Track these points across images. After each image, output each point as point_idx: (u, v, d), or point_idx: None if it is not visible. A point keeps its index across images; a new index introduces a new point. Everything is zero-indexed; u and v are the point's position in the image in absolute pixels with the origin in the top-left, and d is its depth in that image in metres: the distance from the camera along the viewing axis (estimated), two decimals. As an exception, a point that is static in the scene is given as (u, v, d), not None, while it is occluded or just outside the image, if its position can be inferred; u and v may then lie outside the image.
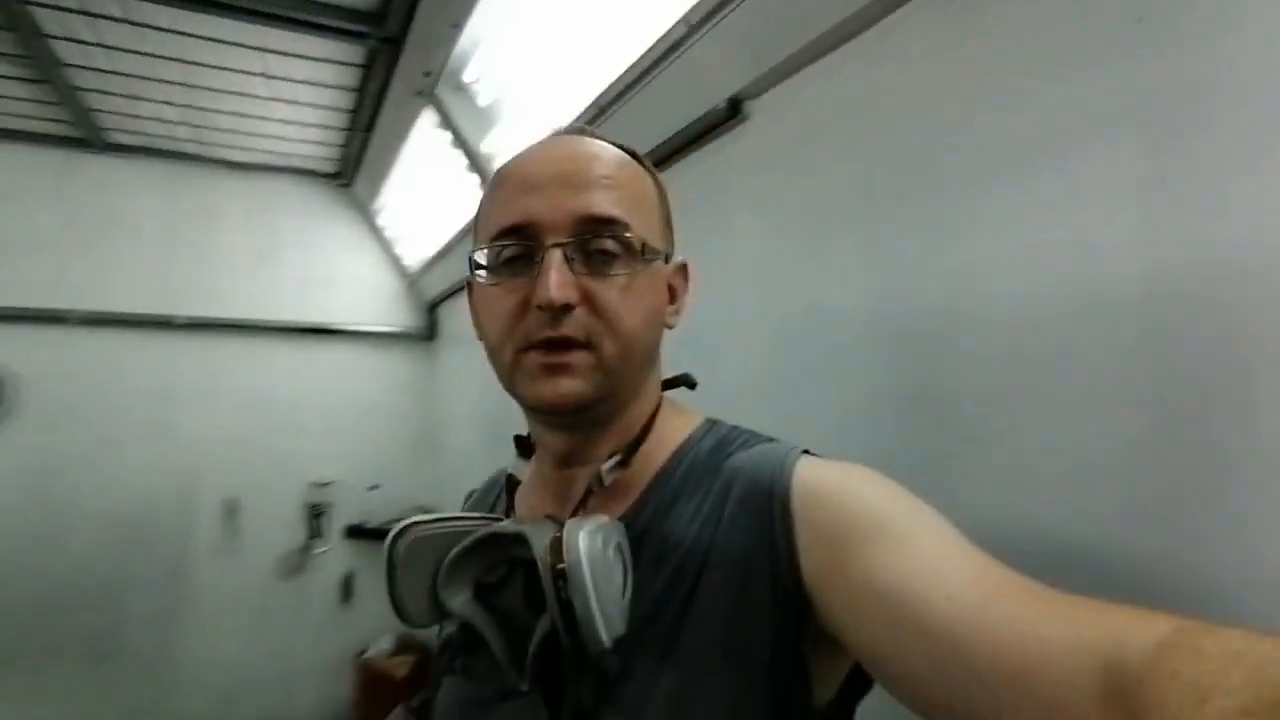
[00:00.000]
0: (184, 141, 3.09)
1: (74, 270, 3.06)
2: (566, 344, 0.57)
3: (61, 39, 2.25)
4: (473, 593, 0.60)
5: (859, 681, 0.57)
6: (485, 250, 0.61)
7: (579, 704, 0.56)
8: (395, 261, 3.63)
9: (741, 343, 1.27)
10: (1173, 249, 0.66)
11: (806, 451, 0.59)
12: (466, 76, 2.00)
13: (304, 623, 3.39)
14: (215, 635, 3.17)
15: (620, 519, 0.60)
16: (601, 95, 1.51)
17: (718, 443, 0.63)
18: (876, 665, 0.49)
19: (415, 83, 2.21)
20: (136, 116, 2.85)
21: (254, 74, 2.49)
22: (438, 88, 2.13)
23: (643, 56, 1.35)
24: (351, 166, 3.28)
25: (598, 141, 0.64)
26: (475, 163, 2.21)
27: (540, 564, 0.53)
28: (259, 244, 3.41)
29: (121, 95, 2.65)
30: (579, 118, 1.62)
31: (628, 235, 0.59)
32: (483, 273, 0.61)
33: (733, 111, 1.25)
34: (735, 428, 0.67)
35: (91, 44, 2.28)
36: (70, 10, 2.08)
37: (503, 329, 0.59)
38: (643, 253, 0.60)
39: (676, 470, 0.63)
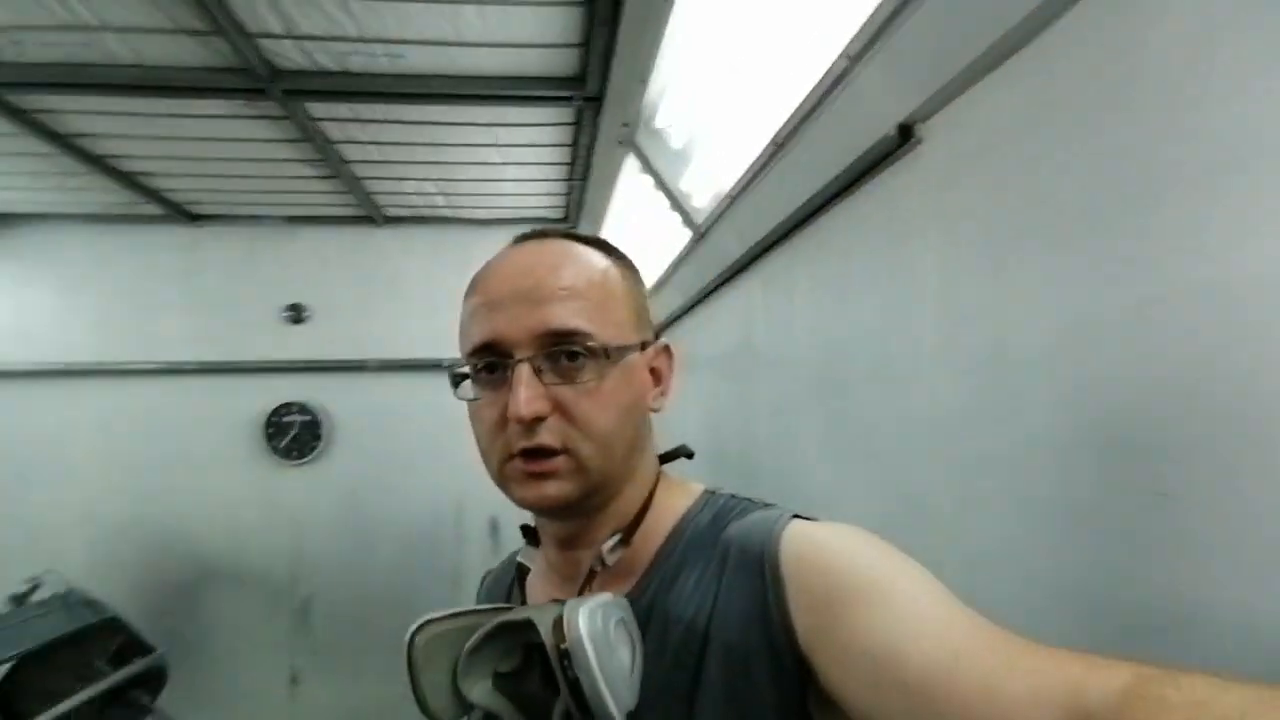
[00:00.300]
0: (441, 208, 3.58)
1: (368, 326, 3.70)
2: (544, 452, 0.60)
3: (344, 142, 2.74)
4: (492, 682, 0.62)
5: None
6: (467, 365, 0.65)
7: None
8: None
9: (928, 379, 1.20)
10: None
11: (798, 515, 0.61)
12: (658, 123, 2.10)
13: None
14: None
15: (627, 595, 0.63)
16: (778, 133, 1.52)
17: (716, 514, 0.66)
18: None
19: (616, 133, 2.37)
20: (404, 193, 3.36)
21: (487, 145, 2.82)
22: (636, 135, 2.26)
23: (810, 92, 1.34)
24: (574, 212, 3.57)
25: (559, 246, 0.67)
26: (675, 202, 2.31)
27: (547, 645, 0.55)
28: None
29: (391, 178, 3.16)
30: (760, 157, 1.63)
31: (590, 345, 0.61)
32: (467, 384, 0.65)
33: (904, 137, 1.19)
34: (733, 496, 0.69)
35: (366, 142, 2.75)
36: (348, 120, 2.54)
37: (487, 440, 0.63)
38: (608, 356, 0.62)
39: (677, 546, 0.65)
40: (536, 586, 0.73)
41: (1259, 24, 0.64)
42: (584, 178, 3.07)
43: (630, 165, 2.47)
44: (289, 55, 2.09)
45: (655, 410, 0.68)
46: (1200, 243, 0.70)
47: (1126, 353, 0.79)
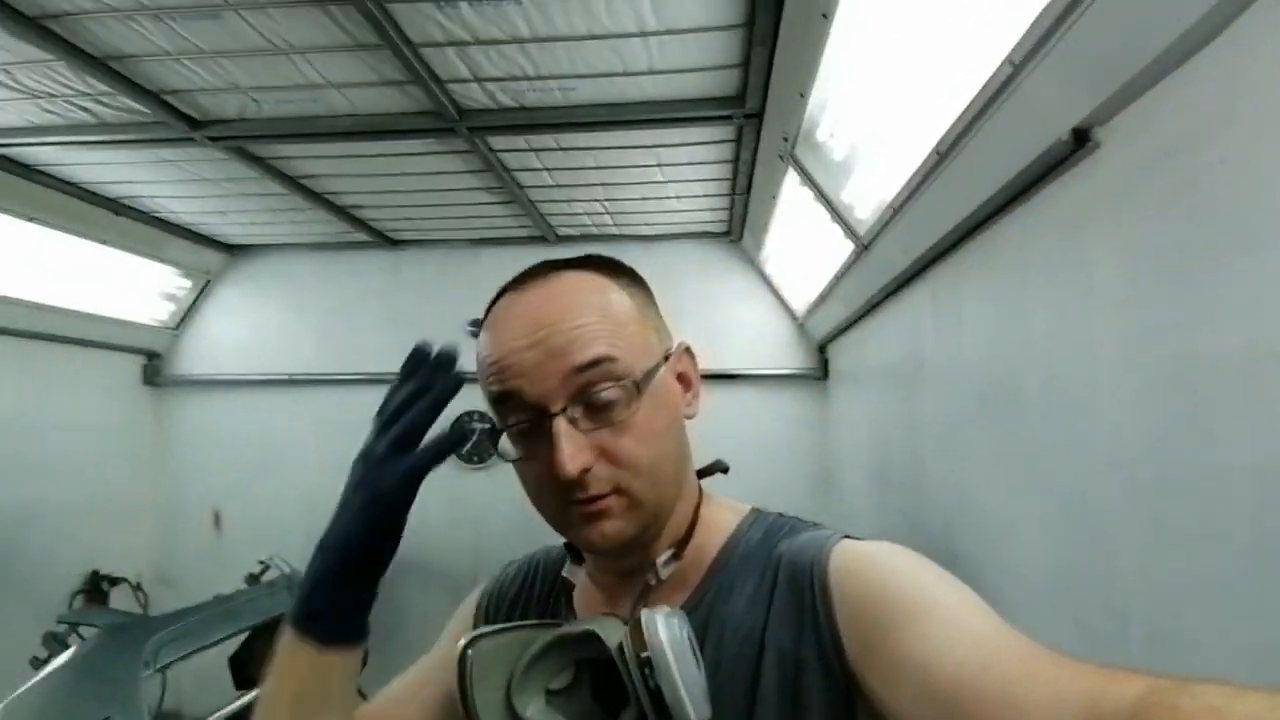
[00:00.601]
0: (609, 226, 3.76)
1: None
2: (598, 497, 0.60)
3: (521, 170, 2.96)
4: (545, 700, 0.61)
5: None
6: (497, 419, 0.65)
7: None
8: (784, 306, 3.84)
9: (1106, 394, 1.12)
10: None
11: (848, 536, 0.62)
12: (820, 136, 2.09)
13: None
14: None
15: (682, 607, 0.62)
16: (940, 140, 1.47)
17: (766, 531, 0.66)
18: None
19: (776, 148, 2.38)
20: (575, 214, 3.57)
21: (651, 165, 2.94)
22: (796, 149, 2.26)
23: (974, 100, 1.29)
24: (738, 224, 3.61)
25: (562, 280, 0.65)
26: (836, 214, 2.28)
27: (623, 654, 0.55)
28: (670, 300, 3.87)
29: (563, 200, 3.36)
30: (922, 166, 1.59)
31: (618, 373, 0.60)
32: (506, 442, 0.65)
33: (1078, 142, 1.12)
34: (781, 515, 0.70)
35: (540, 169, 2.96)
36: (524, 150, 2.75)
37: (539, 494, 0.63)
38: (637, 387, 0.61)
39: (731, 560, 0.66)
40: (582, 603, 0.72)
41: None
42: (746, 191, 3.10)
43: (791, 179, 2.47)
44: (474, 96, 2.31)
45: (690, 416, 0.68)
46: None
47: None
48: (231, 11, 1.83)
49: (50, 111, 2.37)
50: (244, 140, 2.58)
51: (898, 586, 0.54)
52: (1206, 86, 0.87)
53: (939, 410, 1.96)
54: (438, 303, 4.02)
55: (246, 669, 2.46)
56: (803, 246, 2.93)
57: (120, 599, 3.87)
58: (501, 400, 0.63)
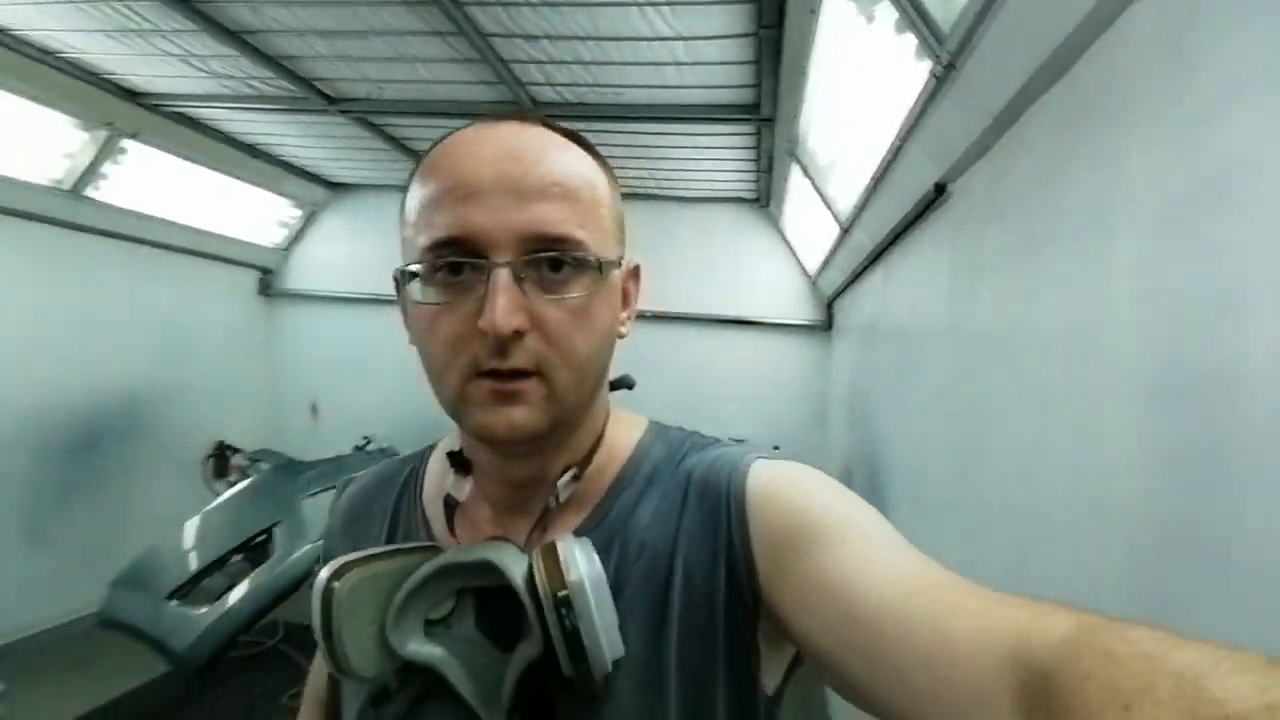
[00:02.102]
0: (653, 188, 4.37)
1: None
2: (516, 374, 0.52)
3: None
4: (424, 631, 0.57)
5: (795, 675, 0.59)
6: (420, 262, 0.53)
7: None
8: (799, 265, 4.43)
9: (943, 352, 1.75)
10: None
11: (761, 455, 0.60)
12: (810, 145, 2.68)
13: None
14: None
15: (578, 531, 0.59)
16: (875, 172, 2.07)
17: (670, 446, 0.63)
18: (818, 659, 0.49)
19: (785, 147, 2.97)
20: (624, 172, 4.19)
21: (691, 149, 3.54)
22: (796, 150, 2.85)
23: (880, 160, 1.89)
24: (765, 192, 4.18)
25: (544, 132, 0.57)
26: (827, 205, 2.89)
27: (532, 590, 0.51)
28: (702, 256, 4.56)
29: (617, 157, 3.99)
30: (865, 189, 2.18)
31: (582, 255, 0.53)
32: (417, 284, 0.54)
33: (939, 192, 1.72)
34: (681, 429, 0.67)
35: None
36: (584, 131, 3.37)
37: (444, 354, 0.53)
38: (600, 270, 0.54)
39: (634, 477, 0.62)
40: (465, 523, 0.64)
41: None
42: (769, 170, 3.68)
43: (796, 170, 3.07)
44: (546, 95, 2.94)
45: (622, 336, 0.61)
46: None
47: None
48: (379, 37, 2.50)
49: (225, 86, 3.09)
50: (367, 114, 3.28)
51: (814, 510, 0.53)
52: (999, 162, 1.44)
53: (881, 360, 2.60)
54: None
55: None
56: (808, 222, 3.52)
57: (240, 465, 4.81)
58: (442, 242, 0.52)
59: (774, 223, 4.46)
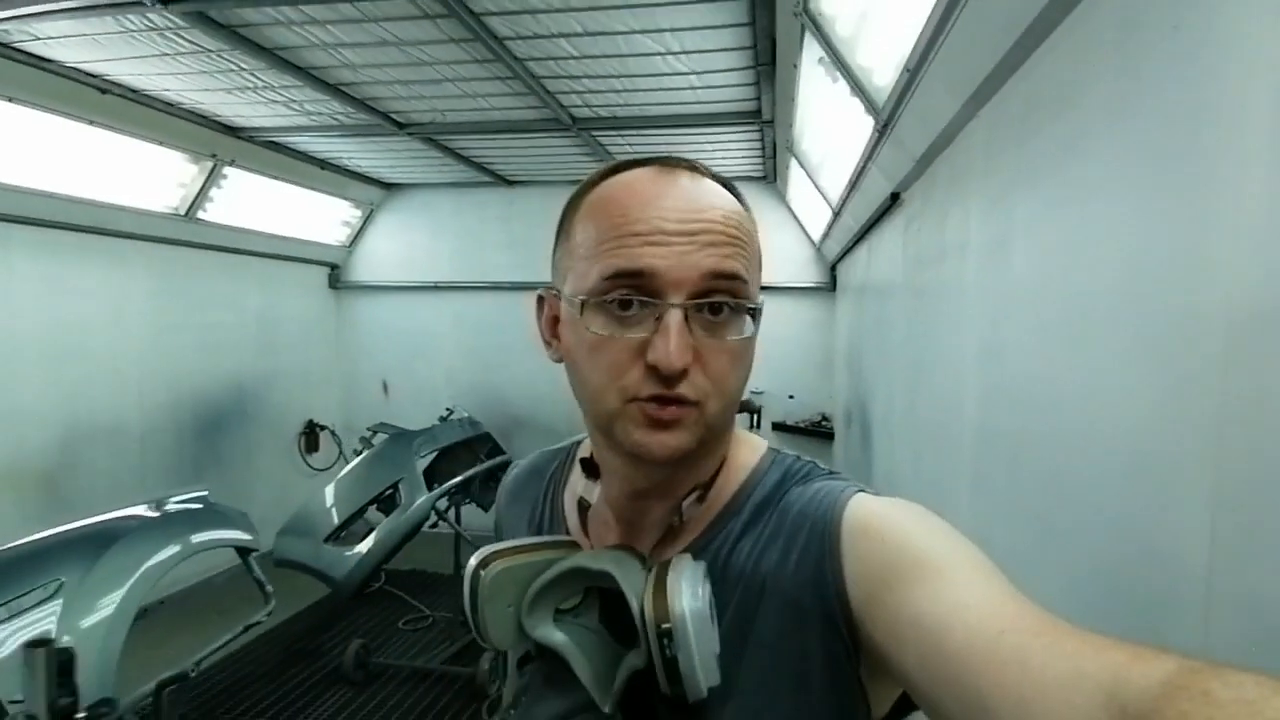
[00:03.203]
0: (672, 173, 4.93)
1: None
2: (676, 401, 0.56)
3: (612, 145, 4.17)
4: (553, 619, 0.63)
5: (909, 700, 0.59)
6: (593, 291, 0.57)
7: None
8: (806, 234, 4.99)
9: (902, 310, 2.35)
10: None
11: (862, 490, 0.61)
12: (804, 145, 3.25)
13: (749, 482, 5.17)
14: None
15: (688, 549, 0.62)
16: (852, 171, 2.64)
17: (782, 475, 0.65)
18: (911, 691, 0.51)
19: (784, 143, 3.54)
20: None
21: (706, 142, 4.11)
22: (793, 147, 3.42)
23: (854, 167, 2.46)
24: (771, 170, 4.72)
25: (714, 185, 0.61)
26: (821, 193, 3.45)
27: (641, 615, 0.54)
28: (718, 230, 5.13)
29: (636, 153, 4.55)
30: (843, 190, 2.75)
31: (746, 300, 0.58)
32: (585, 311, 0.57)
33: (893, 199, 2.30)
34: (799, 458, 0.68)
35: (619, 143, 4.16)
36: (618, 142, 3.94)
37: (605, 376, 0.57)
38: (753, 316, 0.59)
39: (745, 503, 0.64)
40: (596, 524, 0.70)
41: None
42: (774, 156, 4.23)
43: (794, 162, 3.63)
44: (582, 112, 3.53)
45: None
46: None
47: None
48: (437, 69, 3.09)
49: (314, 119, 3.72)
50: (432, 135, 3.90)
51: (910, 544, 0.53)
52: (927, 182, 2.05)
53: (868, 319, 3.20)
54: (543, 229, 5.23)
55: (431, 479, 3.85)
56: (809, 201, 4.08)
57: (325, 440, 5.53)
58: (621, 275, 0.56)
59: (781, 197, 5.01)
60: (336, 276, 5.71)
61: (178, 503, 1.92)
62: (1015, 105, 1.25)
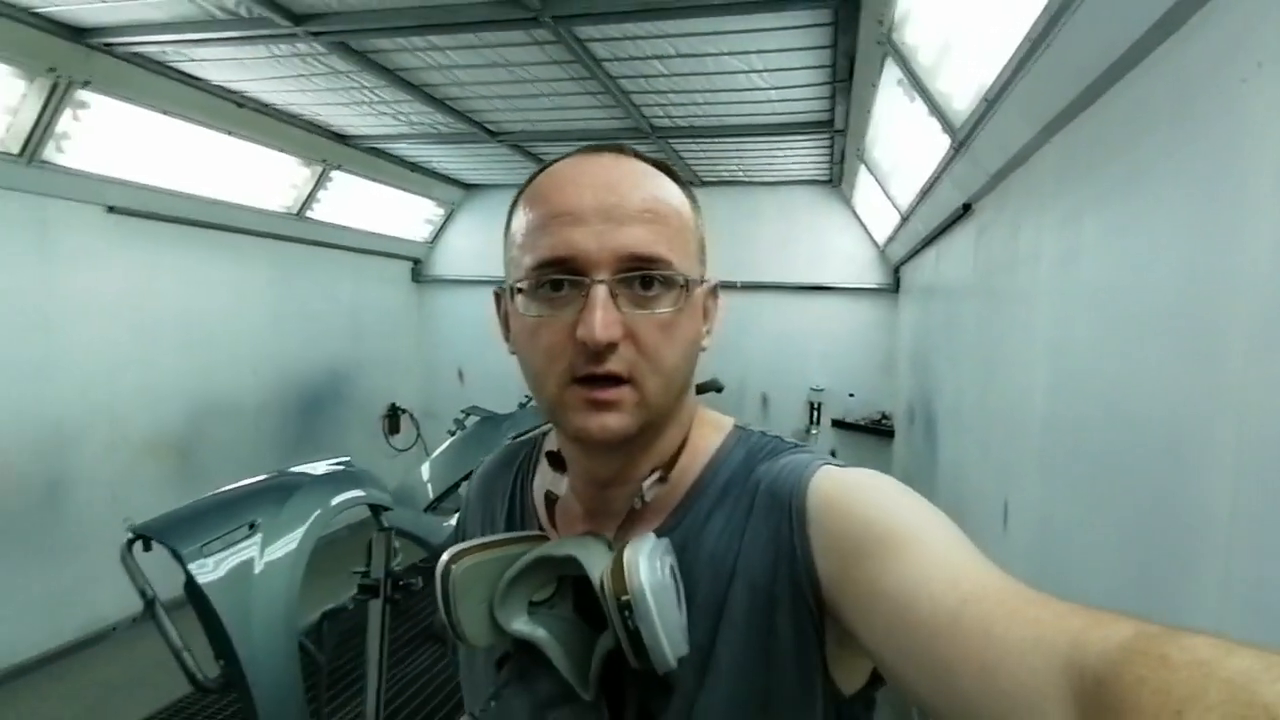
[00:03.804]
0: (740, 175, 5.15)
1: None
2: (609, 380, 0.57)
3: (695, 164, 4.41)
4: (527, 611, 0.63)
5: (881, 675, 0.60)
6: (525, 279, 0.59)
7: (641, 710, 0.60)
8: (869, 237, 5.15)
9: (969, 310, 2.54)
10: None
11: (828, 462, 0.61)
12: (875, 153, 3.43)
13: (808, 475, 5.36)
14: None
15: (657, 530, 0.62)
16: (924, 184, 2.82)
17: (748, 452, 0.66)
18: (880, 664, 0.51)
19: (854, 152, 3.73)
20: (717, 167, 4.98)
21: (775, 149, 4.31)
22: (863, 155, 3.60)
23: (929, 177, 2.64)
24: (838, 175, 4.90)
25: (637, 164, 0.63)
26: (890, 199, 3.63)
27: (602, 592, 0.55)
28: (784, 232, 5.33)
29: (712, 158, 4.79)
30: (911, 201, 2.94)
31: (670, 274, 0.58)
32: (521, 299, 0.60)
33: (965, 209, 2.49)
34: (764, 433, 0.69)
35: (697, 156, 4.39)
36: (693, 147, 4.18)
37: (544, 362, 0.59)
38: (686, 288, 0.59)
39: (711, 483, 0.65)
40: (563, 514, 0.71)
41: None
42: (841, 161, 4.41)
43: (863, 169, 3.82)
44: (662, 121, 3.77)
45: (704, 349, 0.65)
46: None
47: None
48: (533, 84, 3.38)
49: (414, 127, 4.05)
50: (521, 143, 4.21)
51: (876, 517, 0.54)
52: (998, 196, 2.23)
53: (935, 320, 3.38)
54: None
55: None
56: (875, 205, 4.25)
57: (405, 423, 5.91)
58: (547, 260, 0.58)
59: (846, 200, 5.18)
60: (419, 270, 6.09)
61: (328, 465, 2.23)
62: (1084, 138, 1.45)
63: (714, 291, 0.68)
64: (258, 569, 1.76)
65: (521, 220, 0.62)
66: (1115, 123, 1.30)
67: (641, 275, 0.58)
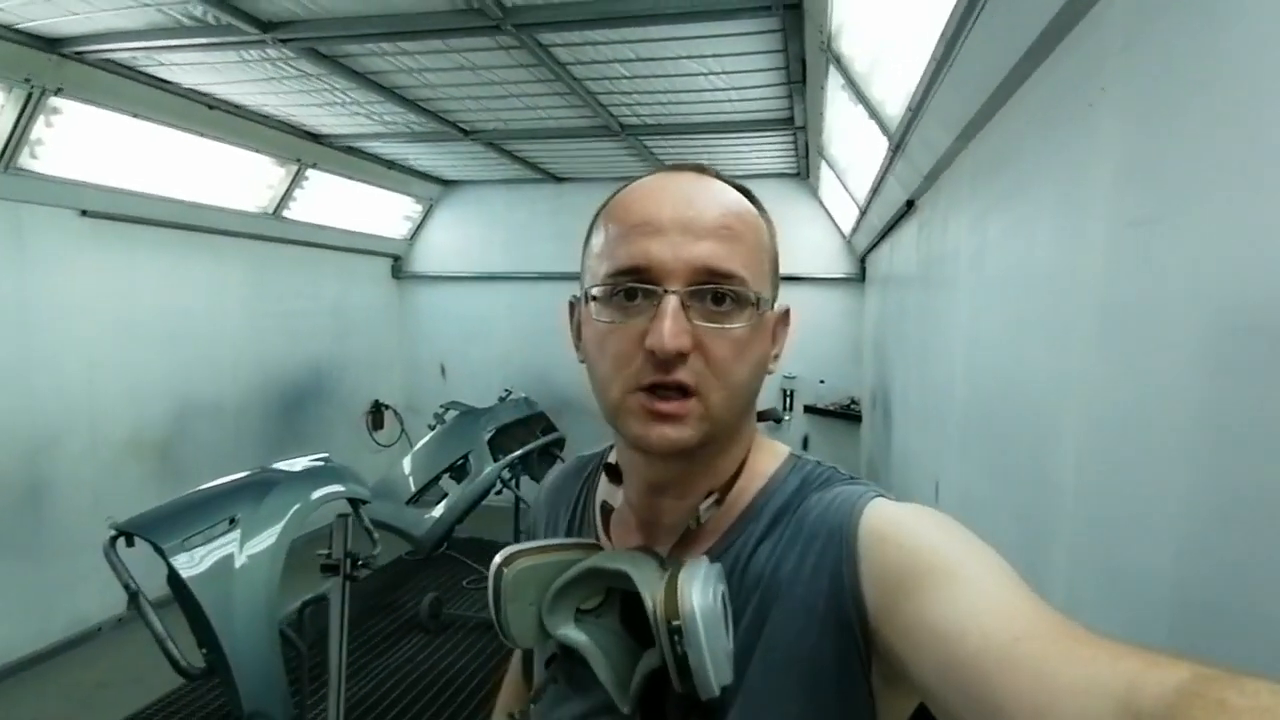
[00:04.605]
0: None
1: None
2: (675, 390, 0.58)
3: (660, 149, 4.51)
4: (574, 619, 0.64)
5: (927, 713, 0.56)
6: (601, 286, 0.60)
7: None
8: (836, 228, 5.28)
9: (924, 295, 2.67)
10: None
11: (880, 495, 0.61)
12: (833, 150, 3.56)
13: (781, 461, 5.51)
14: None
15: (708, 553, 0.63)
16: (873, 181, 2.94)
17: (803, 481, 0.66)
18: (927, 697, 0.50)
19: (816, 148, 3.85)
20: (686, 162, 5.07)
21: (743, 147, 4.43)
22: (824, 151, 3.73)
23: (873, 180, 2.77)
24: (804, 168, 5.02)
25: (716, 182, 0.64)
26: (849, 194, 3.76)
27: (654, 614, 0.55)
28: (754, 224, 5.44)
29: (682, 154, 4.89)
30: (865, 198, 3.06)
31: (742, 291, 0.59)
32: (595, 305, 0.61)
33: (909, 206, 2.61)
34: (819, 464, 0.68)
35: (668, 148, 4.50)
36: (665, 143, 4.29)
37: (611, 368, 0.60)
38: (757, 305, 0.60)
39: (764, 508, 0.65)
40: (618, 525, 0.72)
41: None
42: (806, 155, 4.53)
43: (825, 165, 3.94)
44: (630, 120, 3.88)
45: (771, 372, 0.66)
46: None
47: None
48: (504, 88, 3.48)
49: (389, 127, 4.13)
50: (495, 140, 4.32)
51: (927, 551, 0.54)
52: (935, 194, 2.37)
53: (890, 309, 3.51)
54: (589, 222, 5.68)
55: (493, 450, 4.27)
56: (839, 197, 4.38)
57: (389, 419, 6.01)
58: (623, 268, 0.59)
59: (814, 192, 5.30)
60: (399, 267, 6.16)
61: (308, 462, 2.34)
62: (989, 147, 1.58)
63: (785, 317, 0.68)
64: (238, 562, 1.87)
65: (601, 232, 0.64)
66: (1008, 135, 1.43)
67: (714, 290, 0.58)
